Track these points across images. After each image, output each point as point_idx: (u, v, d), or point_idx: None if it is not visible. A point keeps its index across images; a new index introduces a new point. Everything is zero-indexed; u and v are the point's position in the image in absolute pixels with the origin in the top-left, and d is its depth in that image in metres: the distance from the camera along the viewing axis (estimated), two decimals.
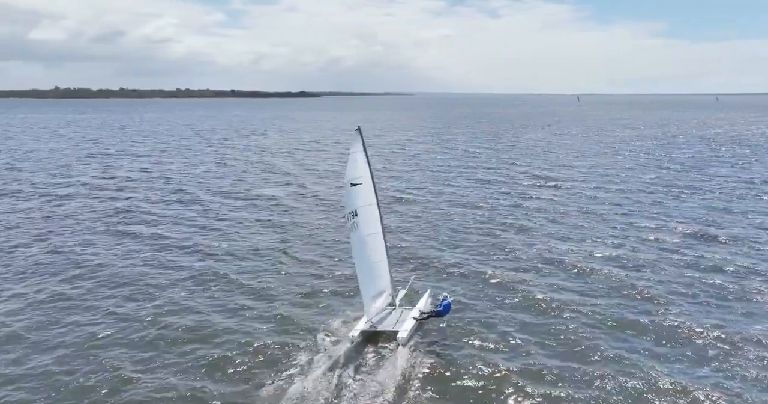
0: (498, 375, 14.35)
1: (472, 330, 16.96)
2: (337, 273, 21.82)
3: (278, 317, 17.99)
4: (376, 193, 16.88)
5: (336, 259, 23.71)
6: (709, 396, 13.25)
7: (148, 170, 50.20)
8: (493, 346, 15.94)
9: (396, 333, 16.02)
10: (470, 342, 16.19)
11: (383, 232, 17.24)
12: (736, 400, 13.16)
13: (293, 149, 67.50)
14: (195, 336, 16.69)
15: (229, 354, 15.44)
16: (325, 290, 20.27)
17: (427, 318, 17.27)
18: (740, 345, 15.82)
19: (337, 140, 79.63)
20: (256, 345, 15.94)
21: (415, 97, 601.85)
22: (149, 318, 17.94)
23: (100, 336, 16.75)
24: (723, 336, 16.32)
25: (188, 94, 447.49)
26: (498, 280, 21.03)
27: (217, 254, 24.54)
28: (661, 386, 13.73)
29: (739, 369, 14.59)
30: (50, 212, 32.96)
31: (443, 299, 17.37)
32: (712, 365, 14.81)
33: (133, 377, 14.35)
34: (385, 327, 16.55)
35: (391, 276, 17.77)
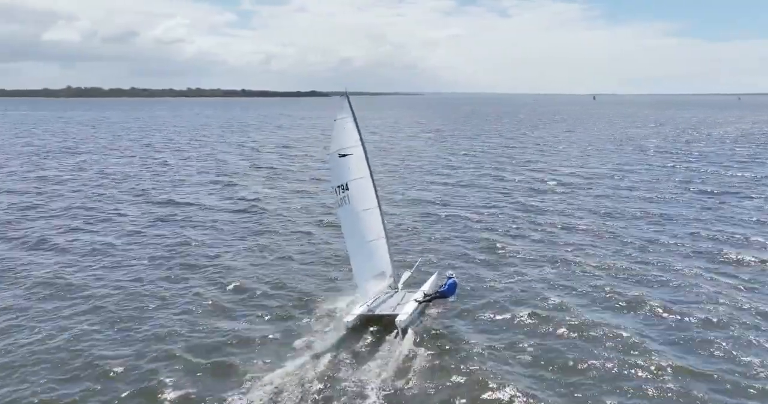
0: (502, 366, 13.26)
1: (478, 315, 15.76)
2: (327, 255, 20.87)
3: (266, 303, 16.95)
4: (368, 164, 15.61)
5: (322, 242, 22.93)
6: None
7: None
8: (499, 335, 14.71)
9: (395, 316, 14.85)
10: (475, 328, 15.00)
11: (380, 207, 15.95)
12: None
13: (272, 147, 63.57)
14: (188, 327, 15.70)
15: (218, 342, 14.58)
16: (317, 274, 19.09)
17: (431, 299, 16.02)
18: None
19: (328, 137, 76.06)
20: (243, 333, 15.01)
21: (423, 97, 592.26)
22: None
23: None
24: None
25: (199, 93, 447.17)
26: (509, 271, 19.79)
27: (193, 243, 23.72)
28: None
29: None
30: None
31: (449, 278, 16.09)
32: None
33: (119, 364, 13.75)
34: (384, 310, 15.43)
35: (391, 257, 16.37)
